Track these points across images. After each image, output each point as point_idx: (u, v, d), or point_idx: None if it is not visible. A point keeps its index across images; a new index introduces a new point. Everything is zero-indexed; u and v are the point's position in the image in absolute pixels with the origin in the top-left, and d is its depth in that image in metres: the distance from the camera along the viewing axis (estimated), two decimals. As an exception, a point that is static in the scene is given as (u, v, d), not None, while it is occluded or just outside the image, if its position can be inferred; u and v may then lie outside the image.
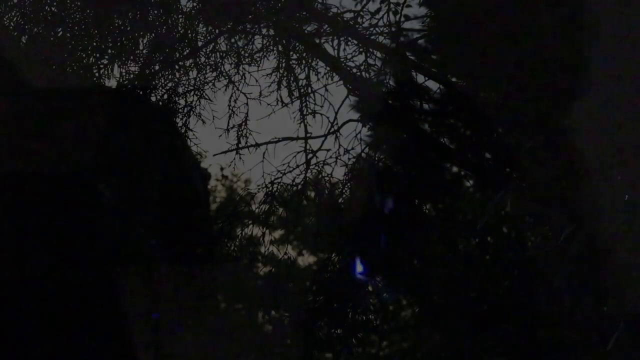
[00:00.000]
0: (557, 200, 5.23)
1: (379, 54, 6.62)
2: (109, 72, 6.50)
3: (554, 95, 5.22)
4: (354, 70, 6.58)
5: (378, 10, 6.68)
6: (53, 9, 6.43)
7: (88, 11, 6.42)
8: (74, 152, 6.82)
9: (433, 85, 6.51)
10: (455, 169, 7.35)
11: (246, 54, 6.64)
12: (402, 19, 6.66)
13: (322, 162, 6.65)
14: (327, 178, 6.63)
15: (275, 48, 6.65)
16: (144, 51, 6.55)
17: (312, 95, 6.68)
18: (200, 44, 6.62)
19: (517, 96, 5.36)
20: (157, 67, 6.60)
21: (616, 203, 4.95)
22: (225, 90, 6.71)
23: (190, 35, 6.55)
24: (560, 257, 5.23)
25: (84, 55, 6.45)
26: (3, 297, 7.40)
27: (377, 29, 6.64)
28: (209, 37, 6.62)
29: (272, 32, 6.61)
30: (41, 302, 7.67)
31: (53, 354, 7.90)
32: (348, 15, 6.63)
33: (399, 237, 6.43)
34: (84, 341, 8.23)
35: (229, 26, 6.59)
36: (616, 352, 5.21)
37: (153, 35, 6.52)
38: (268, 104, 6.68)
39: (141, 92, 6.58)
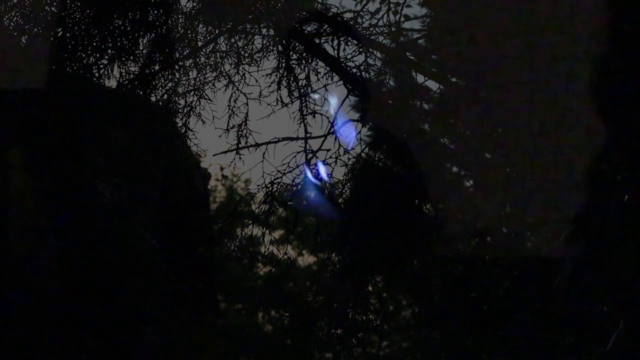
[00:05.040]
0: (558, 201, 5.23)
1: (379, 54, 6.63)
2: (109, 72, 6.50)
3: (553, 94, 5.23)
4: (354, 70, 6.58)
5: (378, 10, 6.69)
6: (53, 9, 6.43)
7: (88, 11, 6.42)
8: (74, 152, 6.81)
9: (433, 85, 6.52)
10: (455, 169, 7.35)
11: (246, 54, 6.65)
12: (402, 19, 6.67)
13: (322, 162, 6.65)
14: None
15: (275, 48, 6.66)
16: (144, 51, 6.55)
17: (312, 95, 6.69)
18: (200, 44, 6.62)
19: (516, 95, 5.36)
20: (157, 67, 6.60)
21: (616, 203, 4.95)
22: (225, 90, 6.72)
23: (190, 35, 6.55)
24: (560, 257, 5.22)
25: (84, 55, 6.45)
26: (3, 296, 7.40)
27: (377, 29, 6.65)
28: (209, 37, 6.62)
29: (272, 32, 6.61)
30: (40, 302, 7.66)
31: (53, 354, 7.90)
32: (348, 15, 6.64)
33: (399, 237, 6.43)
34: (83, 341, 8.23)
35: (229, 26, 6.59)
36: (616, 352, 5.20)
37: (153, 35, 6.53)
38: (268, 104, 6.68)
39: (141, 92, 6.58)
